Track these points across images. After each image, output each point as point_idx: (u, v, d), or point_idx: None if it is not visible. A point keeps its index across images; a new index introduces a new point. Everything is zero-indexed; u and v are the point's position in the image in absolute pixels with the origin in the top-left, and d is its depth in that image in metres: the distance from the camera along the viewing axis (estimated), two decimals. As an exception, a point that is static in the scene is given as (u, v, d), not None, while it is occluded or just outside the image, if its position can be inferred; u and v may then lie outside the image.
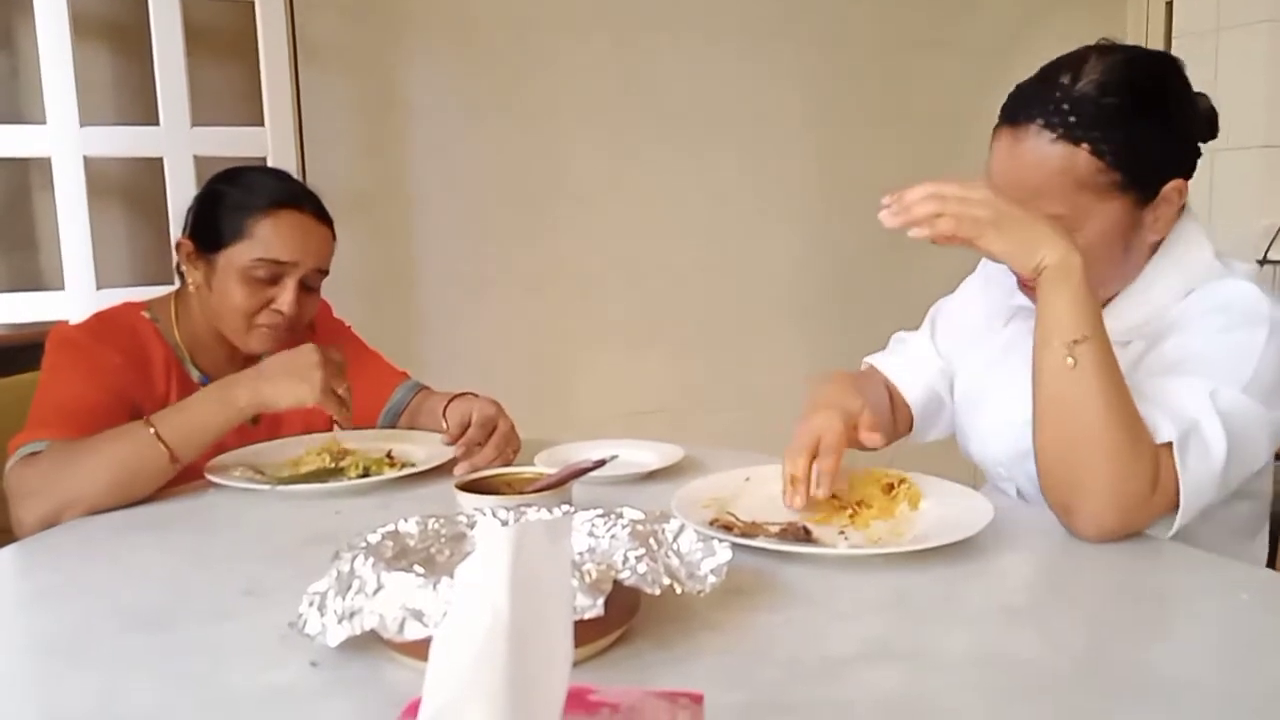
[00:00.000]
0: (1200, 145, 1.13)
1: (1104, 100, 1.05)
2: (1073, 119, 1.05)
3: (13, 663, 0.83)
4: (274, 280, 1.42)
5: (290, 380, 1.26)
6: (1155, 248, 1.15)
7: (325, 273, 1.49)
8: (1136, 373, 1.07)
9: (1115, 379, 0.99)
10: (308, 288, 1.46)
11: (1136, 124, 1.05)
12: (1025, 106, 1.08)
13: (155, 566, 1.04)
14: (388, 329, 1.90)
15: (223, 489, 1.27)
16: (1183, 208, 1.13)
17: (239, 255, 1.40)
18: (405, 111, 2.61)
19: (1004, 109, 1.11)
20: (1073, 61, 1.09)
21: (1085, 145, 1.05)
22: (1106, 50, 1.10)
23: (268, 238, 1.40)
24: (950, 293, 1.45)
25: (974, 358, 1.34)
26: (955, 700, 0.70)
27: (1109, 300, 1.15)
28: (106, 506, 1.20)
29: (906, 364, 1.41)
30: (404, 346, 1.93)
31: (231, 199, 1.43)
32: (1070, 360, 0.98)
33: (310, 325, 1.59)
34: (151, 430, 1.21)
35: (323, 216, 1.48)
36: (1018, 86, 1.12)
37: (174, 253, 1.48)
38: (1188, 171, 1.11)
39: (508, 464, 1.31)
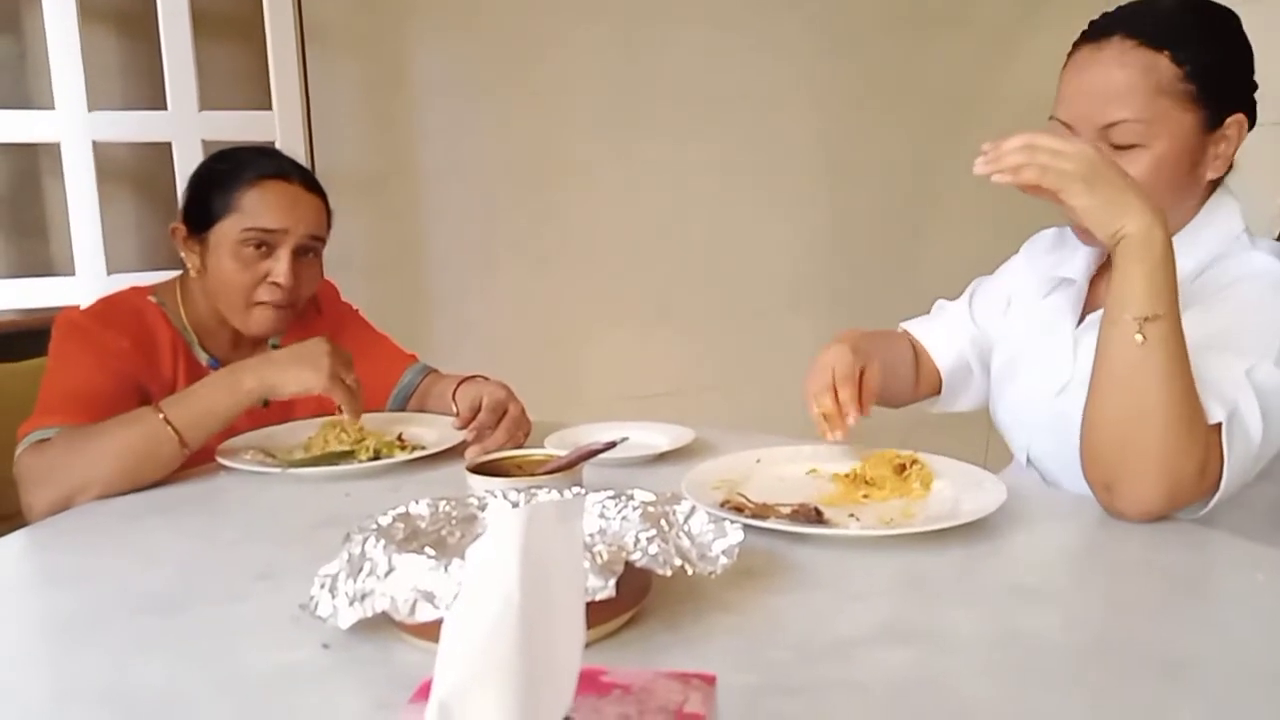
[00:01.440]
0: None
1: (1185, 15, 1.11)
2: (1155, 29, 1.09)
3: (25, 645, 0.84)
4: (267, 252, 1.42)
5: (298, 367, 1.27)
6: (1209, 192, 1.16)
7: (321, 241, 1.49)
8: None
9: (1182, 361, 0.97)
10: (304, 260, 1.46)
11: (1212, 43, 1.10)
12: (1107, 24, 1.12)
13: (166, 550, 1.04)
14: (396, 311, 1.90)
15: (234, 472, 1.28)
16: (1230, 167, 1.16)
17: (228, 229, 1.41)
18: (413, 93, 2.60)
19: (1084, 32, 1.15)
20: None
21: (1166, 52, 1.08)
22: None
23: (254, 208, 1.41)
24: (980, 273, 1.46)
25: (1013, 327, 1.34)
26: (967, 681, 0.70)
27: None
28: (116, 491, 1.20)
29: (940, 330, 1.42)
30: (412, 329, 1.93)
31: (219, 177, 1.44)
32: (1139, 337, 0.96)
33: (316, 307, 1.59)
34: (161, 416, 1.22)
35: (311, 185, 1.48)
36: (1101, 14, 1.14)
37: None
38: (1250, 116, 1.14)
39: (518, 447, 1.31)
